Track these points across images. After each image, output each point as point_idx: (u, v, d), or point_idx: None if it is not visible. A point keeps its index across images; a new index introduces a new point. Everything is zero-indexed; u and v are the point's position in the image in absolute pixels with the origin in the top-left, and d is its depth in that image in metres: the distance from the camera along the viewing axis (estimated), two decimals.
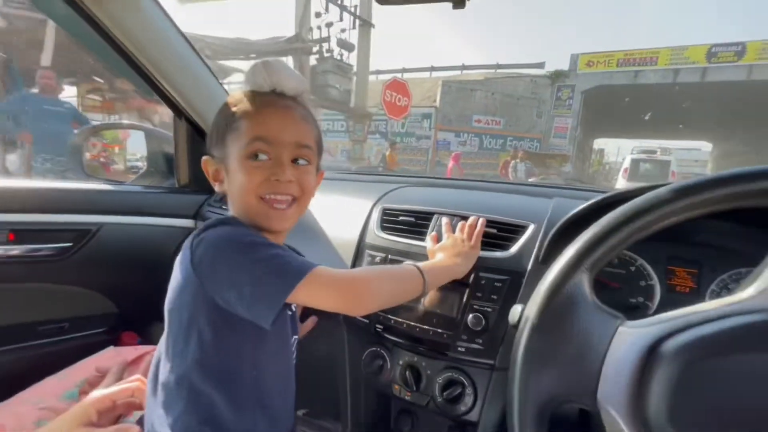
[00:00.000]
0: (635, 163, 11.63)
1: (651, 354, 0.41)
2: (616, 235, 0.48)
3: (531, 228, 0.90)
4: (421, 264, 0.81)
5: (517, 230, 0.92)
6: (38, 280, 1.22)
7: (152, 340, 1.23)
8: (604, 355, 0.45)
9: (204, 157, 0.77)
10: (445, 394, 0.87)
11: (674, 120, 21.69)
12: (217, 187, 0.77)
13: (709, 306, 0.43)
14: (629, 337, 0.44)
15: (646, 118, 19.26)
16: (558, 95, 18.21)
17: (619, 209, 0.50)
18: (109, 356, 1.04)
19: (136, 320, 1.45)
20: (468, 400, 0.86)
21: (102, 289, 1.33)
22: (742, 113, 17.92)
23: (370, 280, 0.73)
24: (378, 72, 23.76)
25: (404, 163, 16.65)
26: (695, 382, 0.39)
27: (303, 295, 0.65)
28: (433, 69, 21.68)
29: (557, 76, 18.38)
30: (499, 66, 21.08)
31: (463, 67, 21.72)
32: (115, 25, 1.12)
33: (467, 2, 0.76)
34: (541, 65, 19.84)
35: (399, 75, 22.42)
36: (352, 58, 14.50)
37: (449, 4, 0.81)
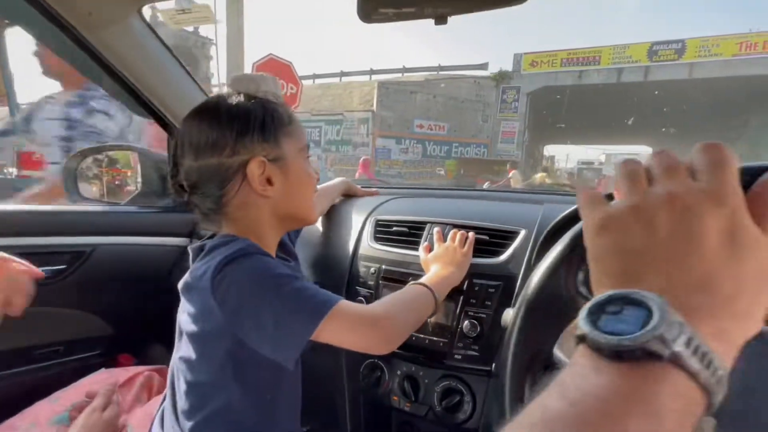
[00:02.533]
0: (580, 170, 17.38)
1: None
2: None
3: (522, 233, 0.95)
4: (425, 281, 0.83)
5: (508, 236, 0.96)
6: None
7: (149, 362, 1.21)
8: None
9: (257, 159, 0.71)
10: (443, 403, 0.89)
11: (618, 123, 23.32)
12: (269, 192, 0.74)
13: None
14: None
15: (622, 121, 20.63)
16: (503, 97, 17.44)
17: None
18: (101, 378, 1.04)
19: (132, 342, 1.45)
20: (467, 407, 0.88)
21: (97, 311, 1.34)
22: (682, 114, 19.62)
23: (395, 317, 0.74)
24: (315, 76, 22.38)
25: (340, 174, 16.56)
26: None
27: (327, 334, 0.66)
28: (372, 72, 20.72)
29: (501, 77, 17.56)
30: (441, 68, 20.26)
31: (404, 70, 20.67)
32: (106, 47, 1.19)
33: (449, 18, 0.89)
34: (484, 66, 19.20)
35: (337, 79, 21.37)
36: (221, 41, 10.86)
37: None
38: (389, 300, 0.78)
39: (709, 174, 0.30)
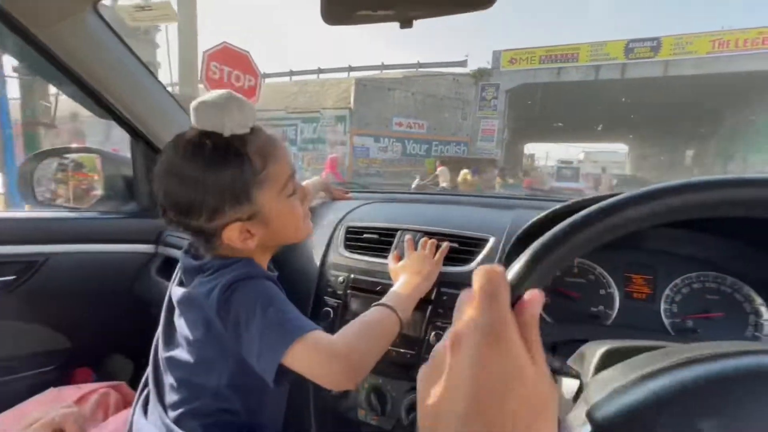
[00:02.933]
0: (559, 169, 17.96)
1: None
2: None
3: (491, 241, 0.95)
4: (391, 300, 0.81)
5: (478, 243, 0.95)
6: None
7: (109, 376, 1.15)
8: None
9: (233, 225, 0.73)
10: (410, 416, 0.87)
11: (596, 121, 23.83)
12: (250, 244, 0.76)
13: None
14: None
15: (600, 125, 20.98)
16: (482, 95, 17.32)
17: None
18: (50, 398, 0.97)
19: (91, 355, 1.39)
20: None
21: (52, 324, 1.28)
22: (658, 111, 20.05)
23: (357, 352, 0.72)
24: (292, 73, 22.10)
25: (318, 174, 16.33)
26: None
27: (297, 363, 0.68)
28: (351, 69, 20.43)
29: (480, 74, 17.44)
30: (420, 65, 20.02)
31: (383, 67, 20.71)
32: (63, 49, 1.13)
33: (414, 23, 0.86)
34: (463, 63, 19.08)
35: (315, 76, 20.98)
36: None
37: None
38: (353, 332, 0.76)
39: (482, 307, 0.31)
